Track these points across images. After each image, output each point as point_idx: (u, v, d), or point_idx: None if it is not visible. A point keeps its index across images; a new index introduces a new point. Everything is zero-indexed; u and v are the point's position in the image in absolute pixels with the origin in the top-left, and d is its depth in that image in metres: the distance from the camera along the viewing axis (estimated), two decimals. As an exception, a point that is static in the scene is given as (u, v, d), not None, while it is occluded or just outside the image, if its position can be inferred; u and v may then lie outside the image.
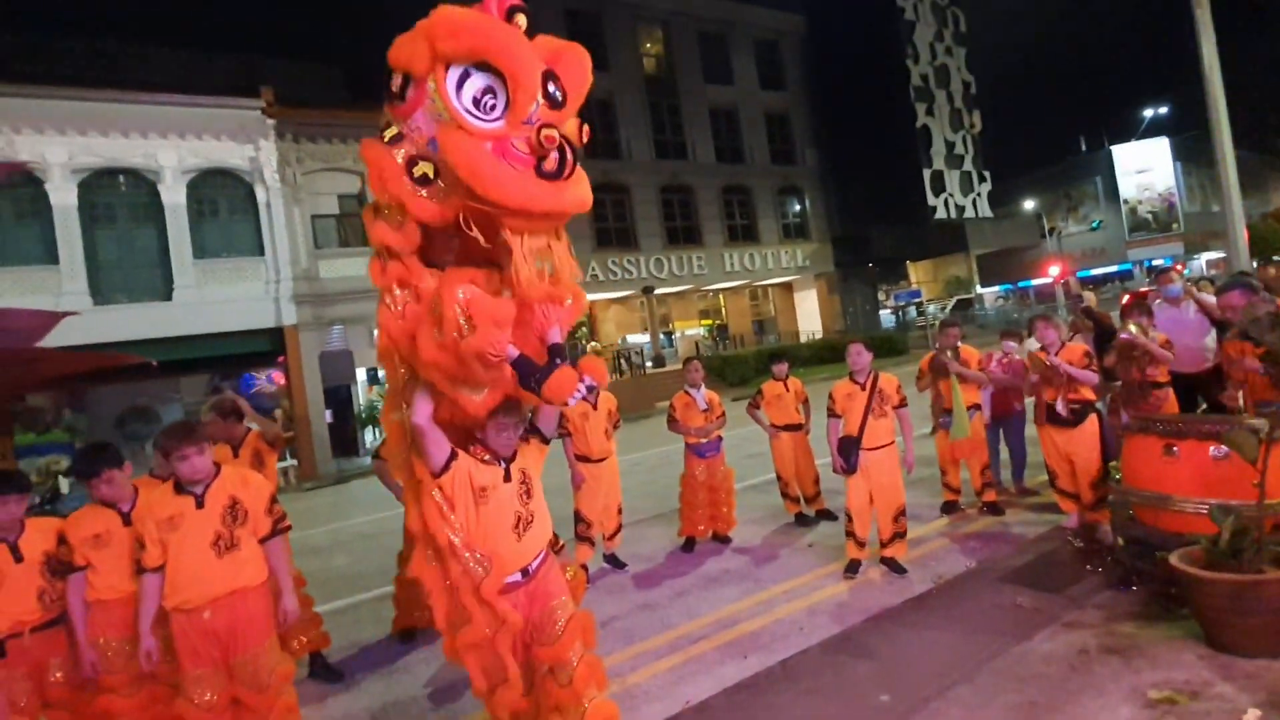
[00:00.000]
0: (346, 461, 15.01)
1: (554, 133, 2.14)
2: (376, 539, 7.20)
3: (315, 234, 15.36)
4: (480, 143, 2.16)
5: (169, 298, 13.74)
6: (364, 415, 16.00)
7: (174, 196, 13.95)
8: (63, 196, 13.09)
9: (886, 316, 29.85)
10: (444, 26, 2.11)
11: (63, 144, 13.06)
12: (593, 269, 21.39)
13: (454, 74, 2.16)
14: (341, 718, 3.71)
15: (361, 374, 16.65)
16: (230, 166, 14.55)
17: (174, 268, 13.84)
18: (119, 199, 13.91)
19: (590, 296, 22.46)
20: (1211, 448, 3.69)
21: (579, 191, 2.27)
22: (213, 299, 13.92)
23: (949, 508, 5.64)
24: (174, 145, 13.92)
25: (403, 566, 4.60)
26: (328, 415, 14.93)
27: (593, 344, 22.61)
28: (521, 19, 2.20)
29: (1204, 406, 4.96)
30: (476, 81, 2.18)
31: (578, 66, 2.32)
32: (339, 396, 15.46)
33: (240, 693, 2.88)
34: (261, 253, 14.70)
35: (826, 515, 5.90)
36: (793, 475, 5.99)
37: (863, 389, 4.61)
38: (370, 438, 15.73)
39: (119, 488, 3.08)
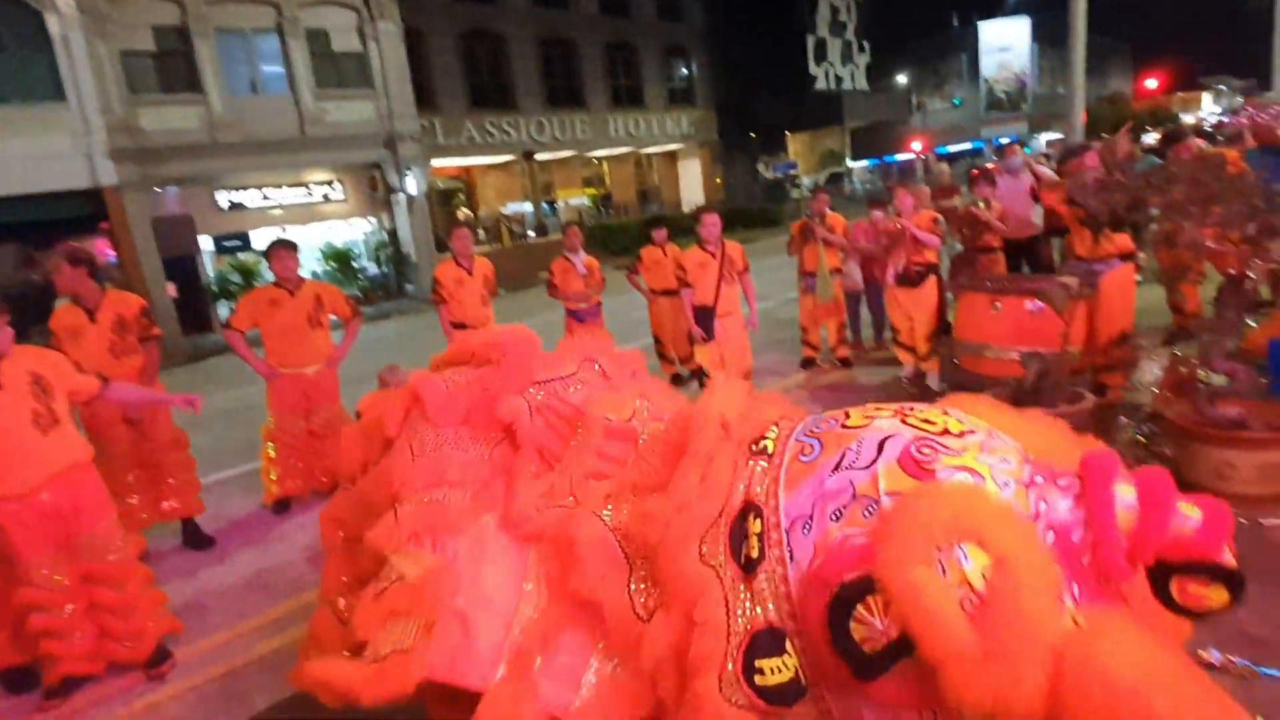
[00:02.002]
0: (200, 338, 13.81)
1: None
2: (239, 415, 6.84)
3: (129, 75, 13.01)
4: None
5: (-55, 151, 11.37)
6: (215, 288, 14.59)
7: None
8: None
9: (765, 189, 30.36)
10: None
11: None
12: (468, 131, 19.88)
13: None
14: (215, 589, 3.67)
15: (207, 242, 14.97)
16: (6, -14, 11.74)
17: (-54, 114, 11.36)
18: None
19: (466, 161, 21.17)
20: (1028, 302, 4.19)
21: None
22: (8, 155, 11.64)
23: (807, 364, 6.13)
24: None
25: (268, 439, 4.44)
26: (171, 289, 13.45)
27: (464, 211, 21.49)
28: None
29: (1027, 268, 5.57)
30: None
31: None
32: (183, 268, 13.88)
33: (91, 567, 2.75)
34: (63, 97, 12.31)
35: (700, 374, 6.24)
36: (670, 338, 6.22)
37: (714, 258, 4.79)
38: (224, 312, 14.47)
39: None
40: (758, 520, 1.23)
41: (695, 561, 1.25)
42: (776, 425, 1.42)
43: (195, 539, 4.12)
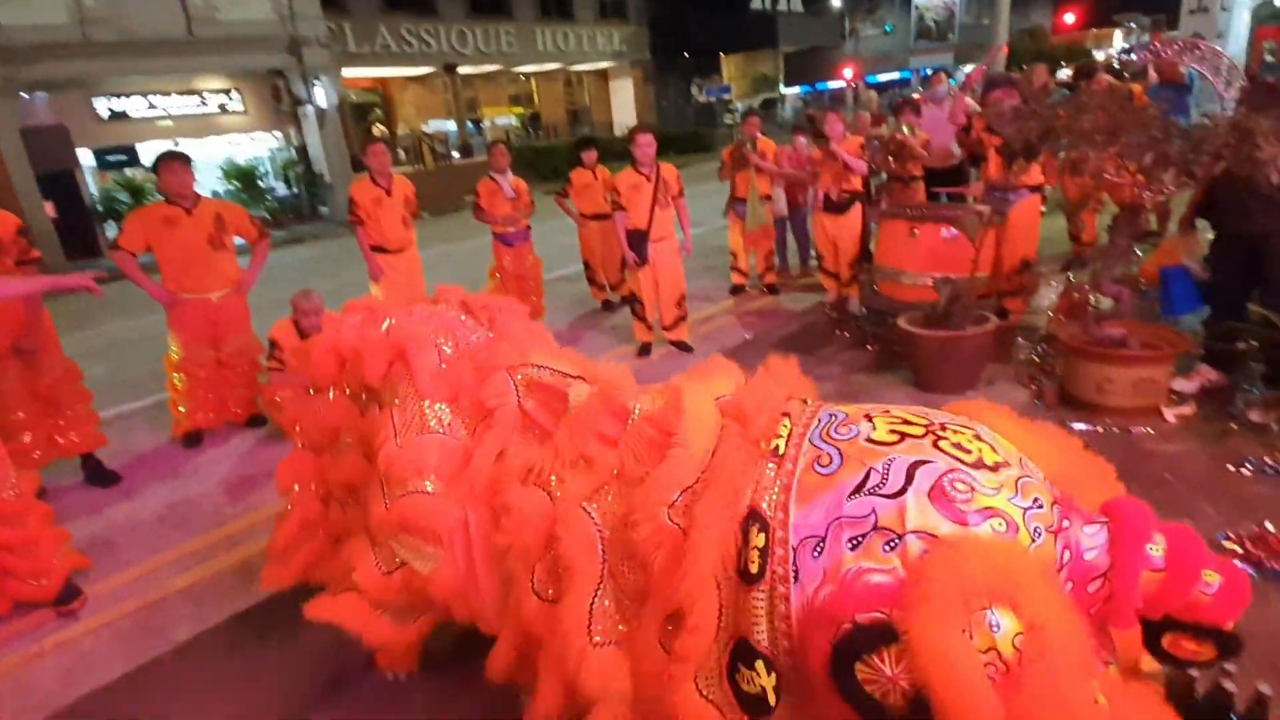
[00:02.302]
0: (87, 263, 12.66)
1: None
2: (137, 345, 6.41)
3: (-28, -45, 11.24)
4: None
5: None
6: (100, 208, 13.29)
7: None
8: None
9: (697, 112, 29.75)
10: None
11: None
12: (383, 37, 18.37)
13: None
14: (124, 524, 3.51)
15: (87, 156, 13.51)
16: None
17: None
18: None
19: (382, 71, 19.63)
20: (944, 229, 4.35)
21: None
22: None
23: (736, 290, 6.22)
24: None
25: (174, 370, 4.19)
26: (49, 209, 12.17)
27: (380, 127, 20.15)
28: None
29: (945, 198, 5.75)
30: None
31: None
32: (61, 185, 12.52)
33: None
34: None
35: (632, 300, 6.23)
36: (600, 263, 6.14)
37: (648, 180, 4.68)
38: (111, 232, 13.23)
39: None
40: (761, 534, 1.14)
41: (708, 579, 1.17)
42: (789, 417, 1.30)
43: (98, 475, 3.90)
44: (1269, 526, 2.59)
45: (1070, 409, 3.51)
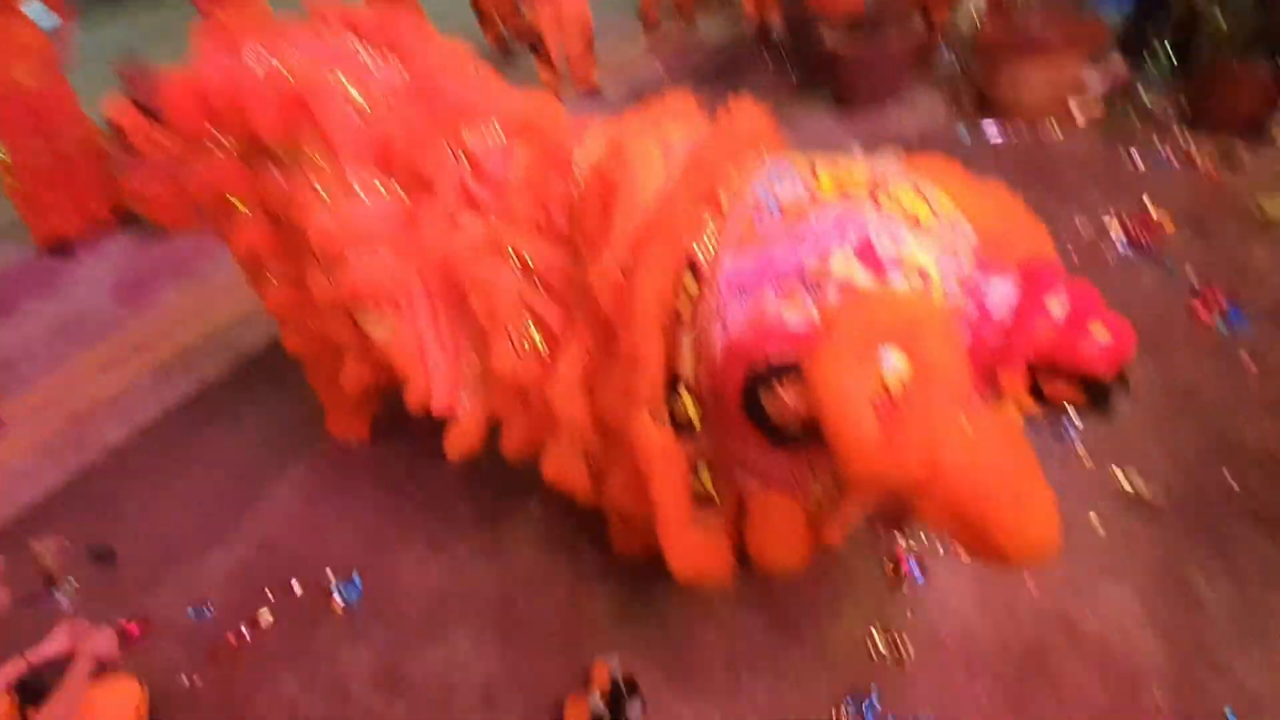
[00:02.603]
0: None
1: None
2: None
3: None
4: None
5: None
6: None
7: None
8: None
9: None
10: None
11: None
12: None
13: None
14: (14, 344, 3.27)
15: None
16: None
17: None
18: None
19: None
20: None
21: None
22: None
23: (650, 25, 5.59)
24: None
25: (6, 174, 3.62)
26: None
27: None
28: None
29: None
30: None
31: None
32: None
33: None
34: None
35: (535, 44, 5.56)
36: (493, 1, 5.36)
37: None
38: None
39: None
40: (695, 280, 1.19)
41: (652, 325, 1.24)
42: (738, 167, 1.29)
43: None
44: (1148, 204, 2.76)
45: (986, 113, 3.48)
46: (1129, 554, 1.76)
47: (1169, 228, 2.67)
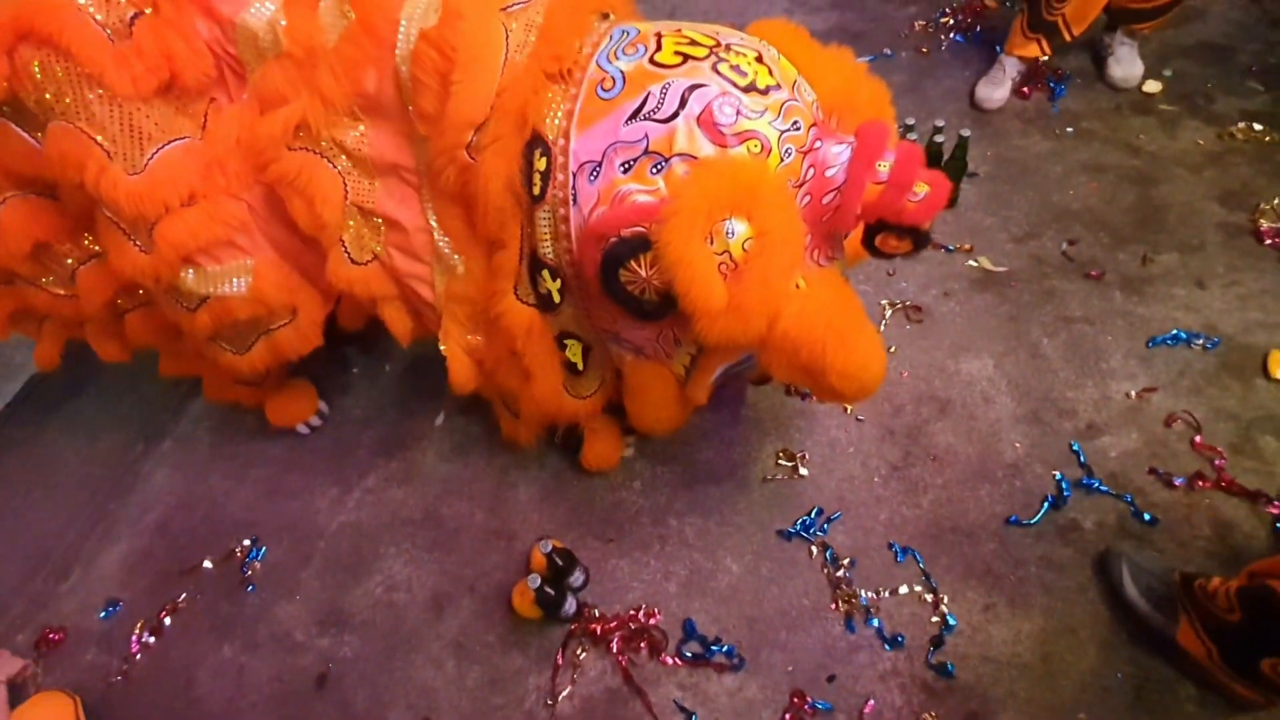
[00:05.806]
0: None
1: None
2: None
3: None
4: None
5: None
6: None
7: None
8: None
9: None
10: None
11: None
12: None
13: None
14: None
15: None
16: None
17: None
18: None
19: None
20: None
21: None
22: None
23: None
24: None
25: None
26: None
27: None
28: None
29: None
30: None
31: None
32: None
33: None
34: None
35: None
36: None
37: None
38: None
39: None
40: (544, 158, 1.19)
41: (510, 204, 1.25)
42: (581, 37, 1.24)
43: None
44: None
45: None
46: (982, 327, 1.96)
47: (992, 2, 2.76)
